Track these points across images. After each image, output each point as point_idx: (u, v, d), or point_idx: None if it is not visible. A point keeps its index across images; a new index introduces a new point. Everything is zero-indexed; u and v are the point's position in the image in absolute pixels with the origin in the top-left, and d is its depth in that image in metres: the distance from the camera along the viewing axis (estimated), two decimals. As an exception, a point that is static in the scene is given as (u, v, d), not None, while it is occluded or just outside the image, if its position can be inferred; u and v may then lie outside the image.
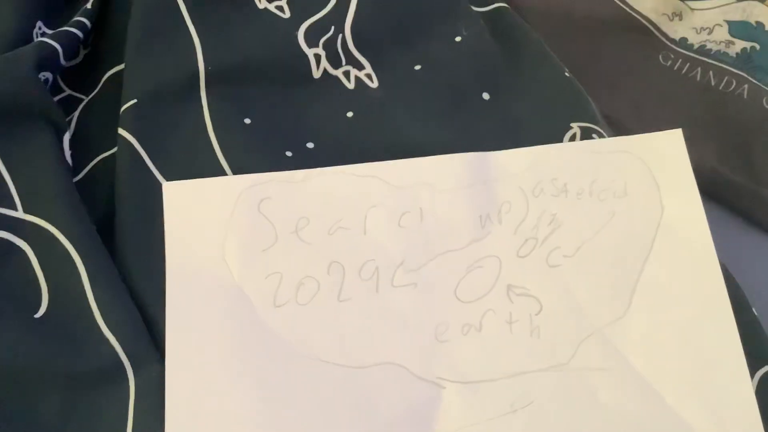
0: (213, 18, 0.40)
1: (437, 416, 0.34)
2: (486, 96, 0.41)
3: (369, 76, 0.41)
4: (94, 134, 0.40)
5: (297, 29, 0.41)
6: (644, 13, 0.47)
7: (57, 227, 0.35)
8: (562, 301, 0.35)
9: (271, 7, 0.41)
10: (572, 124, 0.40)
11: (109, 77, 0.41)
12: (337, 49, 0.41)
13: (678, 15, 0.48)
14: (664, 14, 0.47)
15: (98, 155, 0.39)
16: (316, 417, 0.33)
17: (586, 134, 0.39)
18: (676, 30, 0.47)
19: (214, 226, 0.36)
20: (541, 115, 0.40)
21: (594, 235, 0.36)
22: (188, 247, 0.36)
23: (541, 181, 0.37)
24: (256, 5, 0.41)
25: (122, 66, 0.40)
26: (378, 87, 0.41)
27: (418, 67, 0.41)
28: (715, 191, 0.44)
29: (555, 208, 0.37)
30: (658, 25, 0.47)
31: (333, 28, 0.41)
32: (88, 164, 0.39)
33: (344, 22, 0.41)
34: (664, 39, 0.47)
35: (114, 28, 0.42)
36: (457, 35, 0.42)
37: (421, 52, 0.42)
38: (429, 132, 0.39)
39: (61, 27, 0.41)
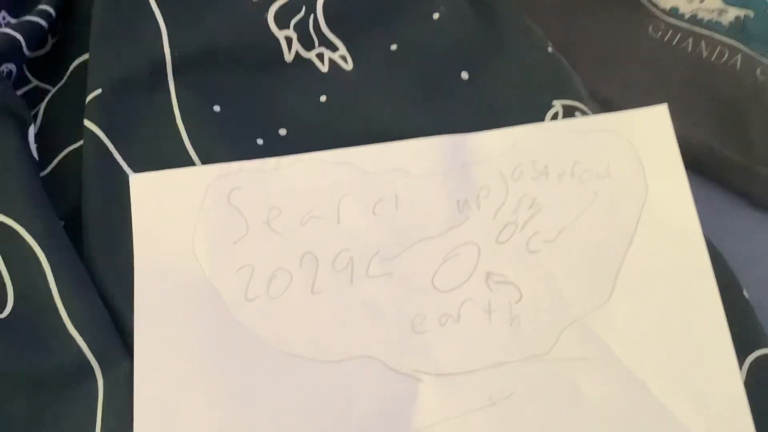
0: (179, 3, 0.39)
1: (414, 410, 0.33)
2: (465, 76, 0.39)
3: (344, 57, 0.40)
4: (61, 126, 0.39)
5: (266, 11, 0.39)
6: (633, -17, 0.45)
7: (21, 224, 0.34)
8: (543, 289, 0.34)
9: None
10: (554, 102, 0.38)
11: (76, 67, 0.40)
12: (309, 31, 0.39)
13: (668, -16, 0.46)
14: (654, -16, 0.46)
15: (65, 148, 0.38)
16: (290, 413, 0.33)
17: (569, 112, 0.38)
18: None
19: (183, 218, 0.35)
20: (521, 94, 0.39)
21: (576, 219, 0.35)
22: (157, 241, 0.35)
23: (521, 163, 0.36)
24: None
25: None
26: (353, 69, 0.39)
27: (394, 47, 0.40)
28: (707, 167, 0.42)
29: (535, 191, 0.36)
30: (648, -5, 0.45)
31: (304, 8, 0.39)
32: (55, 157, 0.38)
33: (316, 2, 0.39)
34: (653, 9, 0.45)
35: (81, 15, 0.41)
36: (435, 12, 0.40)
37: (398, 31, 0.40)
38: (405, 116, 0.38)
39: (26, 14, 0.40)
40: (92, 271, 0.35)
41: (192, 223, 0.35)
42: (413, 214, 0.35)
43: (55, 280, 0.33)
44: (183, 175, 0.36)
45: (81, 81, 0.39)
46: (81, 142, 0.37)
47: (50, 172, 0.38)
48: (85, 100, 0.38)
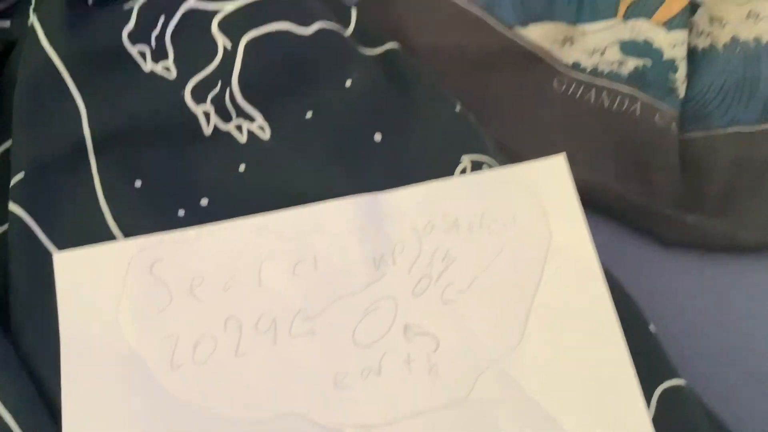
0: (97, 84, 0.41)
1: (341, 464, 0.34)
2: (378, 137, 0.41)
3: (261, 127, 0.41)
4: None
5: (183, 89, 0.41)
6: (535, 42, 0.48)
7: None
8: (459, 336, 0.36)
9: (158, 68, 0.42)
10: (463, 158, 0.40)
11: (2, 153, 0.41)
12: (226, 104, 0.41)
13: (569, 40, 0.49)
14: (555, 41, 0.48)
15: None
16: (220, 476, 0.33)
17: (477, 166, 0.40)
18: (569, 54, 0.48)
19: (107, 292, 0.36)
20: (432, 152, 0.41)
21: (486, 268, 0.37)
22: (82, 316, 0.36)
23: (433, 217, 0.38)
24: (141, 68, 0.42)
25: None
26: (270, 138, 0.41)
27: (309, 115, 0.42)
28: (614, 210, 0.45)
29: (448, 243, 0.37)
30: (550, 52, 0.48)
31: (220, 83, 0.41)
32: None
33: (231, 75, 0.41)
34: (556, 65, 0.48)
35: (6, 103, 0.42)
36: (348, 79, 0.43)
37: (312, 99, 0.42)
38: (322, 179, 0.40)
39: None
40: (21, 348, 0.35)
41: (116, 297, 0.36)
42: (332, 272, 0.37)
43: None
44: (105, 250, 0.37)
45: (6, 167, 0.40)
46: (5, 226, 0.38)
47: None
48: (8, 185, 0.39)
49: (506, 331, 0.35)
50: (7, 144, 0.41)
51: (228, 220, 0.38)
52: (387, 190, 0.39)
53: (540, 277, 0.36)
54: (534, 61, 0.48)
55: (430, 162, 0.40)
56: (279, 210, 0.38)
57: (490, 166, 0.40)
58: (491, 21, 0.49)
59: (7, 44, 0.44)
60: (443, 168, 0.40)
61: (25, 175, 0.39)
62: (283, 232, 0.38)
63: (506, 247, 0.37)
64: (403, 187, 0.39)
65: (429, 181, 0.39)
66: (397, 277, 0.37)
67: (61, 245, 0.37)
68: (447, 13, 0.49)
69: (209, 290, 0.36)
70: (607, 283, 0.36)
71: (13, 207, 0.38)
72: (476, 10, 0.49)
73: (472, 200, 0.38)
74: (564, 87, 0.48)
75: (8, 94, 0.42)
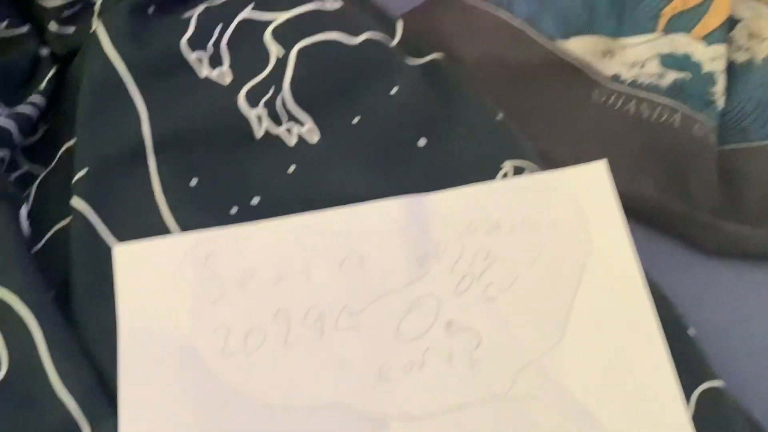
0: (157, 88, 0.43)
1: (384, 453, 0.35)
2: (422, 143, 0.43)
3: (310, 131, 0.43)
4: (51, 205, 0.42)
5: (237, 94, 0.43)
6: (576, 54, 0.49)
7: (15, 295, 0.37)
8: (500, 334, 0.37)
9: (213, 74, 0.44)
10: (505, 163, 0.41)
11: (64, 151, 0.44)
12: (277, 109, 0.43)
13: (609, 53, 0.50)
14: (595, 54, 0.50)
15: (55, 225, 0.41)
16: (267, 462, 0.35)
17: (519, 171, 0.41)
18: (609, 67, 0.50)
19: (163, 284, 0.38)
20: (474, 157, 0.42)
21: (527, 269, 0.38)
22: (140, 307, 0.38)
23: (475, 219, 0.39)
24: (197, 75, 0.44)
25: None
26: (319, 141, 0.43)
27: (356, 120, 0.43)
28: (655, 219, 0.45)
29: (489, 244, 0.39)
30: (591, 64, 0.49)
31: (273, 88, 0.43)
32: (45, 234, 0.41)
33: (282, 81, 0.43)
34: (596, 77, 0.49)
35: (69, 103, 0.44)
36: (393, 87, 0.44)
37: (359, 105, 0.44)
38: (368, 182, 0.41)
39: (18, 105, 0.43)
40: (81, 336, 0.37)
41: (172, 288, 0.38)
42: (377, 270, 0.38)
43: (47, 346, 0.36)
44: (163, 243, 0.39)
45: (69, 164, 0.42)
46: (69, 220, 0.40)
47: (41, 247, 0.41)
48: (72, 181, 0.41)
49: (547, 330, 0.37)
50: (70, 143, 0.44)
51: (278, 217, 0.39)
52: (431, 192, 0.40)
53: (580, 279, 0.37)
54: (574, 73, 0.49)
55: (472, 167, 0.42)
56: (327, 209, 0.40)
57: (531, 172, 0.41)
58: (533, 33, 0.50)
59: (71, 49, 0.46)
60: (486, 173, 0.41)
61: (89, 171, 0.41)
62: (330, 230, 0.39)
63: (547, 250, 0.38)
64: (446, 189, 0.40)
65: (472, 184, 0.40)
66: (440, 275, 0.38)
67: (121, 239, 0.39)
68: (489, 25, 0.51)
69: (260, 284, 0.38)
70: (647, 286, 0.37)
71: (76, 202, 0.40)
72: (518, 23, 0.50)
73: (513, 204, 0.39)
74: (604, 98, 0.49)
75: (71, 97, 0.44)
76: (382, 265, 0.38)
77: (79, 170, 0.41)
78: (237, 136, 0.43)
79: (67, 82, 0.46)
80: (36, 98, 0.44)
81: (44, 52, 0.47)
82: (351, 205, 0.40)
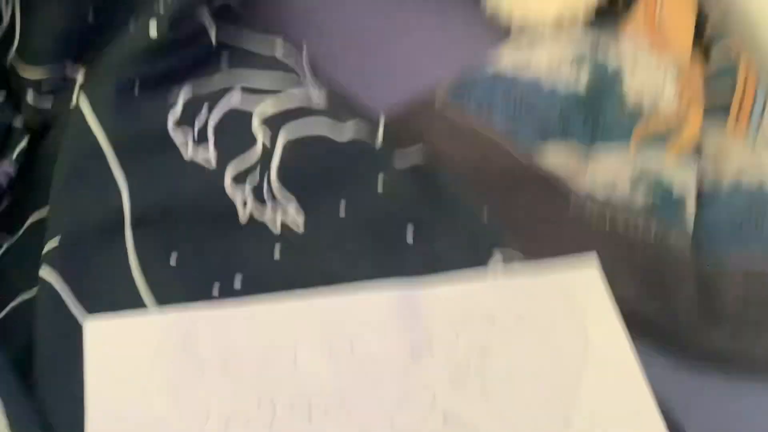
0: (140, 165, 0.41)
1: None
2: (410, 231, 0.42)
3: (295, 217, 0.42)
4: (15, 276, 0.39)
5: (223, 177, 0.42)
6: (553, 166, 0.50)
7: None
8: (499, 428, 0.35)
9: (198, 157, 0.43)
10: (494, 251, 0.41)
11: (32, 223, 0.41)
12: (263, 195, 0.42)
13: (584, 167, 0.51)
14: (571, 166, 0.51)
15: (17, 296, 0.38)
16: None
17: (510, 259, 0.41)
18: (584, 182, 0.51)
19: (138, 363, 0.35)
20: (463, 248, 0.41)
21: (525, 363, 0.37)
22: (110, 386, 0.34)
23: (470, 313, 0.38)
24: (181, 156, 0.42)
25: (46, 210, 0.40)
26: (304, 228, 0.42)
27: (342, 208, 0.42)
28: (638, 330, 0.45)
29: (485, 338, 0.37)
30: (567, 177, 0.50)
31: (258, 174, 0.42)
32: (7, 305, 0.38)
33: (269, 168, 0.42)
34: (572, 190, 0.50)
35: (39, 175, 0.42)
36: (379, 184, 0.44)
37: (346, 194, 0.43)
38: (355, 268, 0.40)
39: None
40: (43, 414, 0.33)
41: (147, 368, 0.35)
42: (369, 358, 0.36)
43: (10, 427, 0.32)
44: (139, 319, 0.36)
45: (36, 236, 0.40)
46: (34, 291, 0.37)
47: (1, 319, 0.37)
48: (40, 252, 0.38)
49: (548, 426, 0.35)
50: (38, 215, 0.41)
51: (263, 297, 0.37)
52: (424, 284, 0.39)
53: (580, 374, 0.36)
54: (552, 184, 0.50)
55: (462, 257, 0.41)
56: (315, 291, 0.38)
57: (520, 261, 0.41)
58: (509, 145, 0.51)
59: (45, 122, 0.44)
60: (476, 262, 0.40)
61: (61, 240, 0.38)
62: (319, 315, 0.37)
63: (544, 344, 0.37)
64: (440, 280, 0.39)
65: (465, 274, 0.39)
66: (435, 367, 0.36)
67: (92, 312, 0.36)
68: (467, 136, 0.52)
69: (243, 367, 0.35)
70: (647, 381, 0.36)
71: (45, 272, 0.37)
72: (494, 134, 0.52)
73: (508, 298, 0.39)
74: (580, 211, 0.49)
75: (42, 169, 0.42)
76: (374, 354, 0.36)
77: (51, 240, 0.38)
78: (221, 217, 0.41)
79: (38, 154, 0.44)
80: (7, 167, 0.41)
81: (17, 122, 0.45)
82: (340, 287, 0.38)
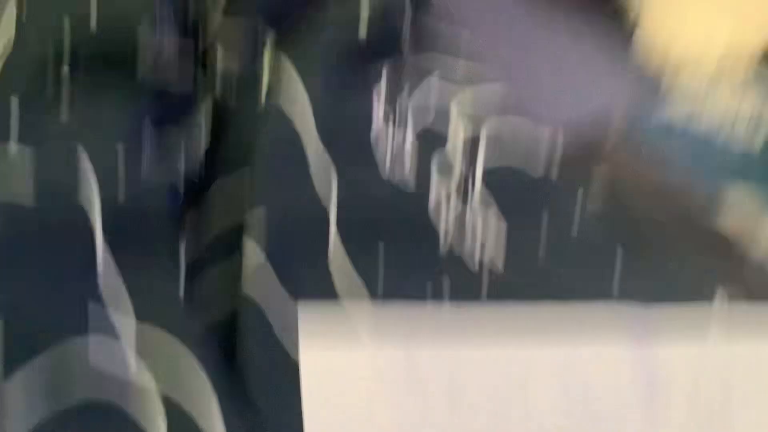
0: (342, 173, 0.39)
1: None
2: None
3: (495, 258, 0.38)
4: None
5: (427, 202, 0.39)
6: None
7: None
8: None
9: (395, 178, 0.39)
10: (718, 287, 0.37)
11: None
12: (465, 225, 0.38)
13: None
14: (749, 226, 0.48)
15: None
16: None
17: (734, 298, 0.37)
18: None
19: (358, 396, 0.32)
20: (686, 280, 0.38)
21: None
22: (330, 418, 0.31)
23: (706, 376, 0.35)
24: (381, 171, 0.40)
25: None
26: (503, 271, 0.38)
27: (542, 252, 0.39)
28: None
29: (722, 406, 0.34)
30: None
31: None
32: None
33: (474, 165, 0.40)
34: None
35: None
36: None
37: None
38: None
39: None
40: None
41: (368, 400, 0.32)
42: (604, 408, 0.33)
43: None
44: (357, 354, 0.33)
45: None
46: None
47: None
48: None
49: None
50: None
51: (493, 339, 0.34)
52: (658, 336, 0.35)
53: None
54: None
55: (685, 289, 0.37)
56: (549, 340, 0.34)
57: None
58: (686, 198, 0.48)
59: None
60: (700, 296, 0.37)
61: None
62: (553, 358, 0.34)
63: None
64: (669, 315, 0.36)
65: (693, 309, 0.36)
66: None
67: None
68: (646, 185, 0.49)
69: (473, 405, 0.32)
70: None
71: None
72: (670, 185, 0.49)
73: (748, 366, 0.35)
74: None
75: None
76: (609, 404, 0.33)
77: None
78: (423, 243, 0.37)
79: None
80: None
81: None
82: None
